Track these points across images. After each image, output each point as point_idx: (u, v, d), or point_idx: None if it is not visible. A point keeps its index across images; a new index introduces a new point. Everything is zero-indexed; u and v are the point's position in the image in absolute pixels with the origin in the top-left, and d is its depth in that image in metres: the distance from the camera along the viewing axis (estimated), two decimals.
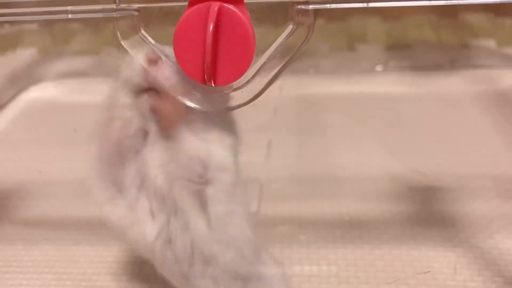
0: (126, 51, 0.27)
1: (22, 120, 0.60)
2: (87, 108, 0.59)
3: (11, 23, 0.64)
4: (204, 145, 0.28)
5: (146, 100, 0.28)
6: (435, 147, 0.50)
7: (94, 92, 0.62)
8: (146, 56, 0.26)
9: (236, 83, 0.25)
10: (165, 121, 0.28)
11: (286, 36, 0.25)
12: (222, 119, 0.29)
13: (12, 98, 0.63)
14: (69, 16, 0.24)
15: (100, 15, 0.25)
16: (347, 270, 0.39)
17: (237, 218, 0.30)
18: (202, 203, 0.28)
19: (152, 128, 0.28)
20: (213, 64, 0.24)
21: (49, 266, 0.41)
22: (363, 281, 0.38)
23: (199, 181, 0.28)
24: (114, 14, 0.25)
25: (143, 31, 0.25)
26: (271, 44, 0.25)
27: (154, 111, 0.28)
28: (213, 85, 0.24)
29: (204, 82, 0.24)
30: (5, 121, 0.60)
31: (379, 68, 0.65)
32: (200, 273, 0.30)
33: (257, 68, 0.25)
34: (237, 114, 0.53)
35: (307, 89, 0.59)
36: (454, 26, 0.66)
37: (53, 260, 0.41)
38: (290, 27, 0.25)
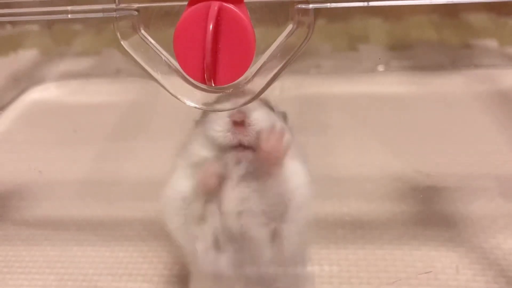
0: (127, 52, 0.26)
1: (23, 121, 0.60)
2: (88, 108, 0.60)
3: (12, 24, 0.64)
4: (291, 183, 0.30)
5: (234, 155, 0.29)
6: (437, 147, 0.50)
7: (95, 93, 0.63)
8: (231, 117, 0.28)
9: (236, 83, 0.25)
10: (268, 161, 0.29)
11: (287, 35, 0.25)
12: (300, 150, 0.31)
13: (13, 99, 0.64)
14: (69, 16, 0.24)
15: (100, 15, 0.25)
16: (349, 270, 0.39)
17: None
18: (272, 236, 0.30)
19: (235, 174, 0.29)
20: (213, 63, 0.23)
21: (51, 266, 0.41)
22: (365, 282, 0.38)
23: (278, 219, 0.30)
24: (114, 14, 0.25)
25: (143, 31, 0.25)
26: (272, 43, 0.25)
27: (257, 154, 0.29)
28: (213, 85, 0.24)
29: (204, 81, 0.24)
30: (7, 121, 0.60)
31: (380, 68, 0.64)
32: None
33: (258, 68, 0.25)
34: None
35: (309, 89, 0.59)
36: (456, 26, 0.66)
37: (54, 261, 0.41)
38: (290, 27, 0.25)
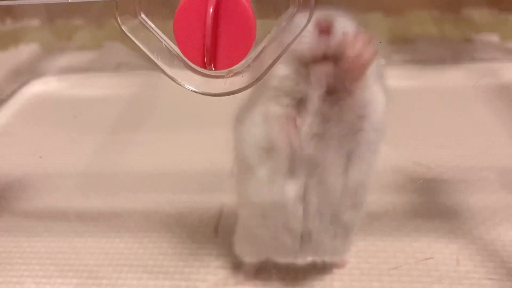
0: (128, 44, 0.26)
1: (24, 114, 0.60)
2: (89, 102, 0.60)
3: (13, 18, 0.64)
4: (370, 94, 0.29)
5: (316, 70, 0.27)
6: (438, 140, 0.50)
7: (96, 87, 0.63)
8: (317, 25, 0.26)
9: (236, 67, 0.25)
10: (352, 71, 0.28)
11: (287, 19, 0.25)
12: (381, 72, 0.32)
13: (14, 92, 0.64)
14: (69, 0, 0.24)
15: None
16: (350, 261, 0.39)
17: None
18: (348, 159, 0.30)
19: (315, 94, 0.28)
20: (214, 48, 0.23)
21: (51, 257, 0.41)
22: (366, 272, 0.38)
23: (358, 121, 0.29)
24: None
25: (143, 15, 0.25)
26: (272, 27, 0.25)
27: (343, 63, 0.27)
28: (213, 69, 0.24)
29: (204, 66, 0.24)
30: (8, 114, 0.60)
31: (381, 61, 0.64)
32: (324, 229, 0.32)
33: (258, 52, 0.25)
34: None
35: None
36: (457, 21, 0.66)
37: (55, 252, 0.41)
38: (290, 10, 0.25)
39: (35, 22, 0.66)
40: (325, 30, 0.26)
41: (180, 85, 0.25)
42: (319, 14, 0.27)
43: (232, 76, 0.25)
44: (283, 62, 0.27)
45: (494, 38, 0.66)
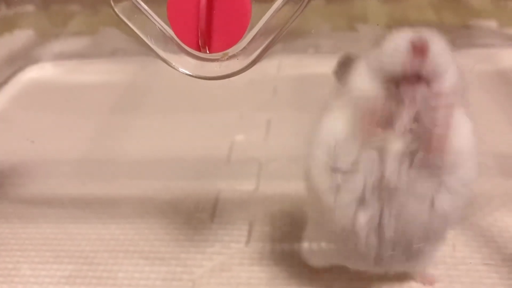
0: (124, 30, 0.26)
1: (20, 100, 0.60)
2: (85, 88, 0.59)
3: (7, 4, 0.63)
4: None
5: (407, 89, 0.26)
6: None
7: (91, 73, 0.63)
8: (412, 44, 0.25)
9: (231, 50, 0.24)
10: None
11: (282, 1, 0.24)
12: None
13: (9, 78, 0.63)
14: None
15: None
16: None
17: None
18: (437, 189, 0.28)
19: (406, 115, 0.26)
20: (208, 30, 0.23)
21: (47, 243, 0.41)
22: None
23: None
24: None
25: None
26: (267, 10, 0.24)
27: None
28: (208, 52, 0.24)
29: (198, 48, 0.24)
30: (3, 100, 0.60)
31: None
32: (397, 257, 0.30)
33: (253, 35, 0.24)
34: (236, 94, 0.52)
35: (307, 69, 0.58)
36: (455, 7, 0.65)
37: (51, 238, 0.41)
38: None
39: (30, 8, 0.65)
40: (419, 50, 0.25)
41: (174, 68, 0.25)
42: (414, 33, 0.26)
43: (227, 59, 0.24)
44: (367, 76, 0.26)
45: (492, 24, 0.66)
